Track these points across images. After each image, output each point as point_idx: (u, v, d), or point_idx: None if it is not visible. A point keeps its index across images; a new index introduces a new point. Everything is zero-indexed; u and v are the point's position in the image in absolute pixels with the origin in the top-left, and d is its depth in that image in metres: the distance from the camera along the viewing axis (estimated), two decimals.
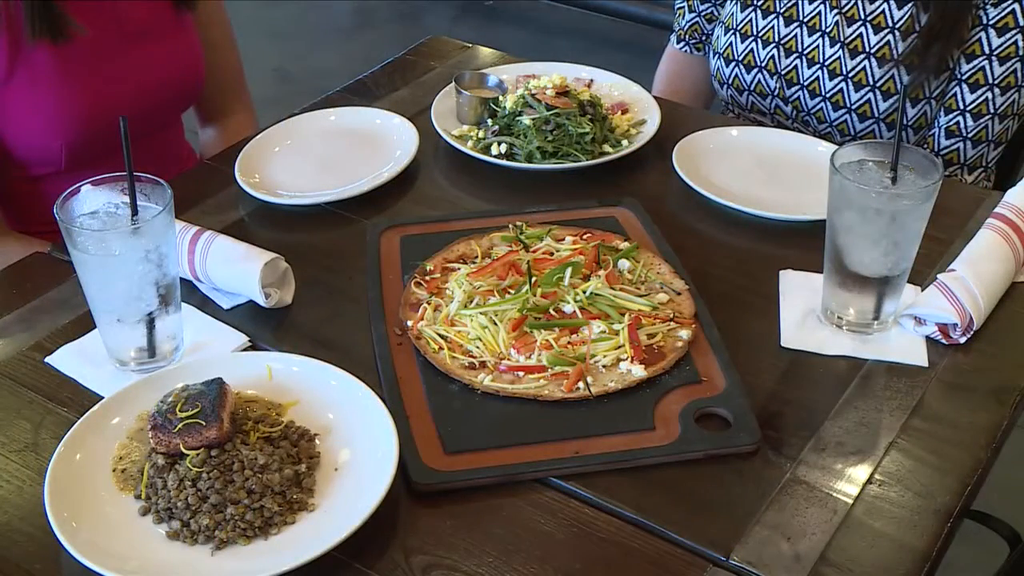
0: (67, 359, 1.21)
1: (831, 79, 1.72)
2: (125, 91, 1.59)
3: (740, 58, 1.80)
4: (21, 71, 1.50)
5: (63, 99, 1.53)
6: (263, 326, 1.26)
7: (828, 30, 1.71)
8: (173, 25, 1.65)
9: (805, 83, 1.75)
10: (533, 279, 1.24)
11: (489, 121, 1.61)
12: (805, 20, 1.73)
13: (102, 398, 1.12)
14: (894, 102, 1.68)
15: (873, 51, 1.68)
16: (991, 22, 1.62)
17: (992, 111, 1.66)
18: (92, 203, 1.14)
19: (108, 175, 1.14)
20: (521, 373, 1.15)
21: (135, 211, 1.12)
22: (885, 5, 1.66)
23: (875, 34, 1.67)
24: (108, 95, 1.57)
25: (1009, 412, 1.14)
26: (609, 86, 1.73)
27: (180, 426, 1.02)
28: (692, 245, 1.38)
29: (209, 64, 1.72)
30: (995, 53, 1.63)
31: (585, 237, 1.35)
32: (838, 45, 1.70)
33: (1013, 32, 1.62)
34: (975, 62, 1.65)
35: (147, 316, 1.16)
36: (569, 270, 1.25)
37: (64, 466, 1.04)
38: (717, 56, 1.84)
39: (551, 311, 1.22)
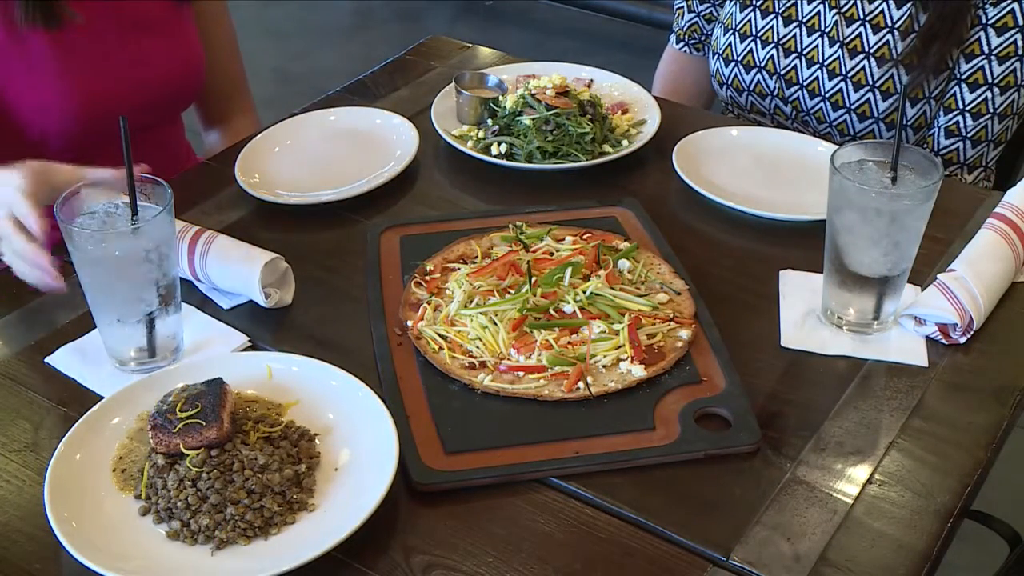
0: (67, 359, 1.21)
1: (830, 79, 1.72)
2: (123, 83, 1.58)
3: (739, 58, 1.80)
4: (16, 58, 1.49)
5: (59, 89, 1.53)
6: (263, 326, 1.26)
7: (827, 30, 1.71)
8: (173, 20, 1.65)
9: (804, 83, 1.75)
10: (533, 279, 1.24)
11: (489, 121, 1.61)
12: (804, 20, 1.73)
13: (102, 398, 1.12)
14: (893, 102, 1.69)
15: (872, 51, 1.68)
16: (990, 21, 1.62)
17: (991, 111, 1.66)
18: (92, 203, 1.14)
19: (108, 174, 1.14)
20: (521, 373, 1.15)
21: (135, 211, 1.12)
22: (884, 5, 1.66)
23: (874, 34, 1.67)
24: (105, 86, 1.56)
25: (1009, 412, 1.14)
26: (609, 86, 1.73)
27: (180, 426, 1.02)
28: (692, 245, 1.38)
29: (212, 65, 1.72)
30: (994, 52, 1.63)
31: (585, 237, 1.35)
32: (837, 45, 1.70)
33: (1012, 31, 1.62)
34: (974, 62, 1.65)
35: (147, 316, 1.16)
36: (569, 270, 1.25)
37: (64, 466, 1.04)
38: (716, 56, 1.84)
39: (551, 311, 1.22)
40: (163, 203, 1.12)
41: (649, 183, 1.54)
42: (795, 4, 1.74)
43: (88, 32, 1.53)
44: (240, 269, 1.25)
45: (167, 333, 1.18)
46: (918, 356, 1.21)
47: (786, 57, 1.75)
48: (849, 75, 1.70)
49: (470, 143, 1.59)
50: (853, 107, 1.71)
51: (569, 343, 1.18)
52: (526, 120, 1.55)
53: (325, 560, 0.95)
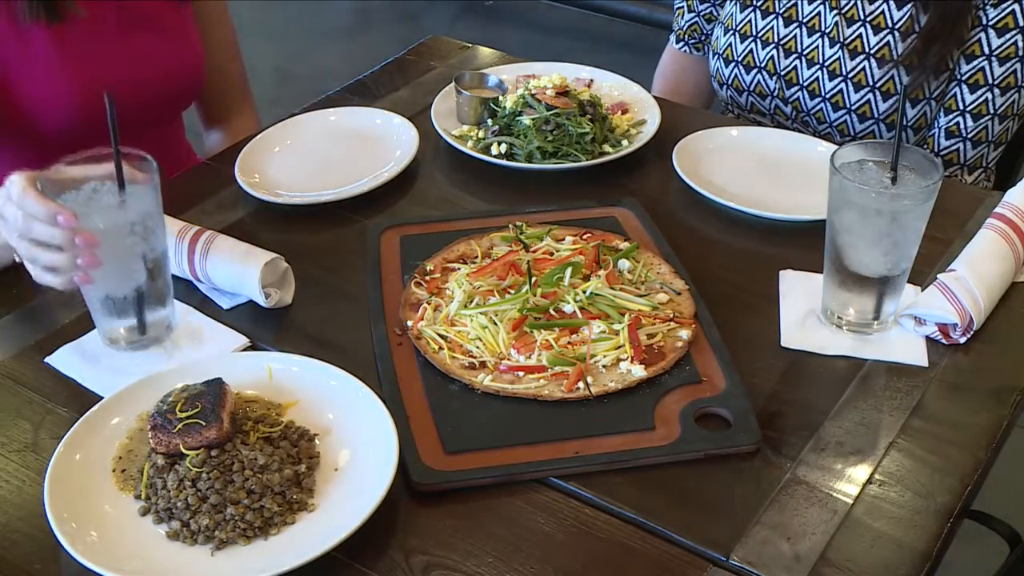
0: (67, 359, 1.21)
1: (831, 80, 1.72)
2: (123, 81, 1.58)
3: (739, 59, 1.80)
4: (18, 52, 1.49)
5: (59, 84, 1.52)
6: (263, 326, 1.26)
7: (828, 31, 1.71)
8: (173, 19, 1.65)
9: (805, 84, 1.75)
10: (533, 279, 1.24)
11: (489, 121, 1.61)
12: (804, 21, 1.73)
13: (102, 398, 1.13)
14: (894, 103, 1.68)
15: (873, 51, 1.68)
16: (991, 23, 1.62)
17: (992, 112, 1.66)
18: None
19: (92, 152, 1.15)
20: (521, 373, 1.15)
21: (122, 185, 1.13)
22: (885, 5, 1.66)
23: (875, 34, 1.67)
24: (105, 83, 1.56)
25: (1009, 412, 1.14)
26: (609, 86, 1.73)
27: (180, 426, 1.02)
28: (692, 245, 1.38)
29: (212, 66, 1.72)
30: (995, 54, 1.63)
31: (585, 237, 1.35)
32: (838, 46, 1.70)
33: (1013, 32, 1.62)
34: (975, 63, 1.65)
35: (135, 291, 1.16)
36: (569, 270, 1.25)
37: (64, 466, 1.04)
38: (717, 57, 1.84)
39: (551, 311, 1.22)
40: (148, 175, 1.13)
41: (649, 183, 1.54)
42: (795, 4, 1.74)
43: (89, 28, 1.53)
44: (240, 269, 1.25)
45: (157, 308, 1.19)
46: (918, 356, 1.21)
47: (786, 58, 1.75)
48: (849, 76, 1.70)
49: (470, 143, 1.59)
50: (853, 108, 1.71)
51: (569, 343, 1.18)
52: (526, 120, 1.55)
53: (325, 560, 0.95)
